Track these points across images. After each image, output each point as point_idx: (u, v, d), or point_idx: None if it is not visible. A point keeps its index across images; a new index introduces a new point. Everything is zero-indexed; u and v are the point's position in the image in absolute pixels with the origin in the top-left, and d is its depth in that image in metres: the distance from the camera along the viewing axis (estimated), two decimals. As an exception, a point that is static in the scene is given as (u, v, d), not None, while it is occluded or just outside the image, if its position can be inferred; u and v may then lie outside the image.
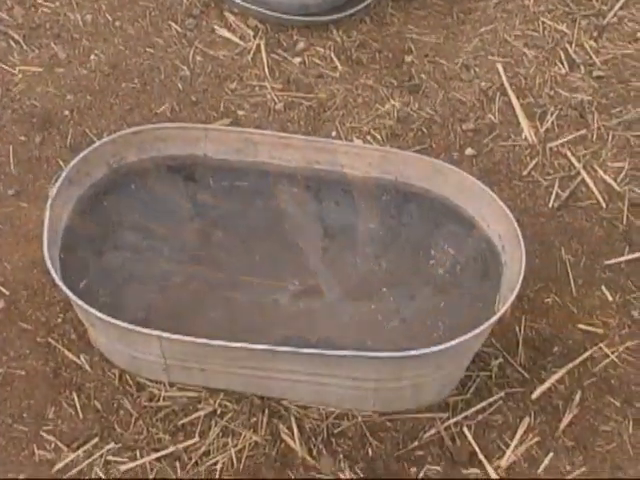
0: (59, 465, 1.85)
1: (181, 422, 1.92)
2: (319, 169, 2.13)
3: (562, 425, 1.97)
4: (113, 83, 2.43)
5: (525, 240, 1.89)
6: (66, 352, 1.99)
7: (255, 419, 1.93)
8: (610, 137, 2.42)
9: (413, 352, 1.78)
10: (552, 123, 2.43)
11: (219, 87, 2.46)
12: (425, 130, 2.41)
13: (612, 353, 2.07)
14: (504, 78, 2.51)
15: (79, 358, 1.99)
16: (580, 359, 2.05)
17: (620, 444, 1.95)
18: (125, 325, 1.78)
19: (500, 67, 2.53)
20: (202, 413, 1.93)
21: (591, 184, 2.32)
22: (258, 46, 2.54)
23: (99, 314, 1.77)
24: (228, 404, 1.94)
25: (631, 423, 1.98)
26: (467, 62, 2.55)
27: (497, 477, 1.89)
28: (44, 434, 1.89)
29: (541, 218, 2.25)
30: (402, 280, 2.06)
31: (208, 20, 2.58)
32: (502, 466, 1.90)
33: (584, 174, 2.34)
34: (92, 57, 2.48)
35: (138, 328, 1.78)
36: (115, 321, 1.77)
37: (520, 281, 1.85)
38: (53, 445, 1.88)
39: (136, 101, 2.41)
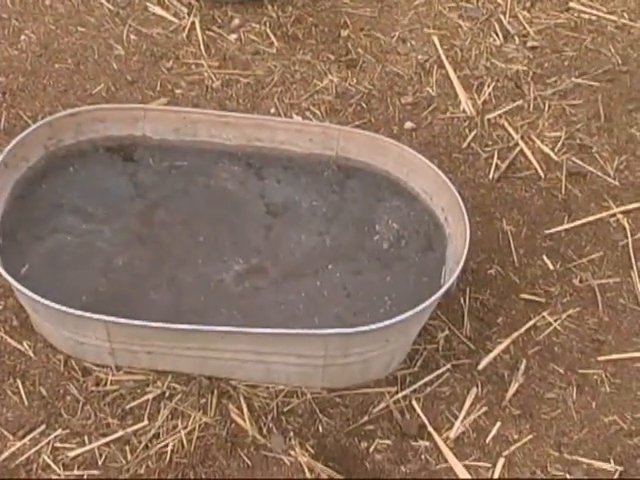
0: (5, 454, 1.82)
1: (129, 406, 1.90)
2: (260, 146, 2.11)
3: (508, 394, 1.97)
4: (45, 64, 2.37)
5: (467, 212, 1.89)
6: (8, 339, 1.95)
7: (204, 400, 1.91)
8: (546, 107, 2.42)
9: (360, 328, 1.77)
10: (489, 95, 2.43)
11: (155, 66, 2.41)
12: (364, 105, 2.39)
13: (555, 321, 2.08)
14: (440, 51, 2.50)
15: (22, 345, 1.95)
16: (524, 328, 2.06)
17: (565, 410, 1.97)
18: (69, 310, 1.74)
19: (436, 39, 2.52)
20: (150, 396, 1.90)
21: (529, 154, 2.33)
22: (193, 23, 2.50)
23: (43, 300, 1.74)
24: (176, 386, 1.92)
25: (575, 389, 1.99)
26: (403, 35, 2.53)
27: (447, 448, 1.89)
28: None
29: (481, 190, 2.25)
30: (347, 256, 2.03)
31: (141, -5, 2.54)
32: (451, 437, 1.91)
33: (522, 145, 2.34)
34: (22, 37, 2.41)
35: (82, 313, 1.74)
36: (59, 307, 1.74)
37: (465, 253, 1.84)
38: None
39: (70, 82, 2.35)
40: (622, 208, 2.26)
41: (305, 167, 2.10)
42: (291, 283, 1.99)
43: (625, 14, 2.61)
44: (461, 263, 1.83)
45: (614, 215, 2.25)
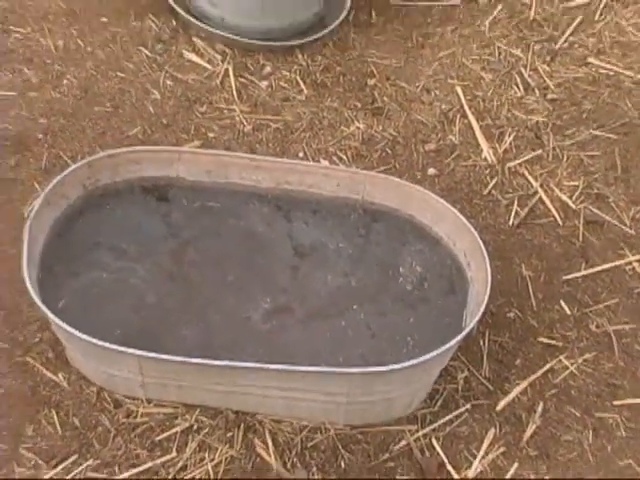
0: (39, 482, 1.83)
1: (158, 438, 1.90)
2: (289, 189, 2.12)
3: (526, 435, 1.97)
4: (85, 106, 2.40)
5: (488, 257, 1.90)
6: (44, 370, 1.96)
7: (231, 433, 1.91)
8: (565, 157, 2.43)
9: (383, 368, 1.77)
10: (510, 144, 2.44)
11: (189, 110, 2.44)
12: (389, 151, 2.41)
13: (571, 365, 2.08)
14: (463, 100, 2.51)
15: (57, 376, 1.95)
16: (541, 371, 2.06)
17: (581, 453, 1.96)
18: (103, 344, 1.75)
19: (459, 90, 2.54)
20: (179, 429, 1.91)
21: (548, 202, 2.33)
22: (226, 70, 2.52)
23: (78, 334, 1.75)
24: (204, 419, 1.92)
25: (591, 432, 1.99)
26: (427, 85, 2.55)
27: (466, 486, 1.90)
28: (23, 452, 1.85)
29: (502, 235, 2.26)
30: (371, 297, 2.05)
31: (177, 45, 2.56)
32: (470, 476, 1.90)
33: (541, 193, 2.35)
34: (64, 81, 2.44)
35: (115, 347, 1.76)
36: (93, 340, 1.75)
37: (487, 297, 1.85)
38: (32, 462, 1.84)
39: (108, 124, 2.38)
40: (638, 257, 2.26)
41: (332, 210, 2.12)
42: (317, 322, 2.00)
43: (644, 71, 2.64)
44: (482, 306, 1.84)
45: (630, 263, 2.25)
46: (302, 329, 2.00)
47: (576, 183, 2.38)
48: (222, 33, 2.56)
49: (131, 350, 1.75)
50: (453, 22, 2.69)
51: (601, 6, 2.75)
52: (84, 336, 1.75)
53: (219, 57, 2.54)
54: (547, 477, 1.91)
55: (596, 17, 2.76)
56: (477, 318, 1.83)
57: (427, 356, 1.77)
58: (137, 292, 2.03)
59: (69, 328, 1.76)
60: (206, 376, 1.85)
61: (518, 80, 2.58)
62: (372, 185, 2.11)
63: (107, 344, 1.75)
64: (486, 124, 2.48)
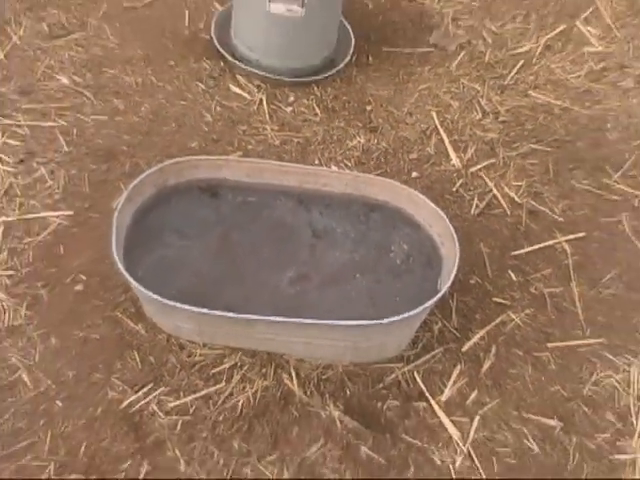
0: (125, 403, 1.79)
1: (211, 372, 1.87)
2: (308, 188, 2.07)
3: (483, 370, 1.94)
4: (156, 127, 2.34)
5: (457, 238, 1.86)
6: (128, 322, 1.92)
7: (265, 369, 1.88)
8: (512, 164, 2.37)
9: (379, 321, 1.74)
10: (471, 154, 2.38)
11: (233, 129, 2.38)
12: (382, 159, 2.35)
13: (516, 318, 2.04)
14: (437, 122, 2.45)
15: (137, 326, 1.92)
16: (494, 323, 2.02)
17: (523, 382, 1.93)
18: (168, 302, 1.72)
19: (434, 114, 2.48)
20: (227, 365, 1.87)
21: (500, 198, 2.28)
22: (261, 99, 2.47)
23: (151, 294, 1.72)
24: (245, 359, 1.89)
25: (530, 367, 1.96)
26: (410, 110, 2.49)
27: (439, 408, 1.85)
28: (114, 380, 1.83)
29: (466, 222, 2.21)
30: (370, 268, 1.99)
31: (224, 81, 2.50)
32: (442, 400, 1.87)
33: (495, 191, 2.29)
34: (142, 108, 2.38)
35: (177, 304, 1.72)
36: (162, 299, 1.72)
37: (456, 269, 1.81)
38: (120, 388, 1.82)
39: (173, 139, 2.32)
40: (565, 237, 2.21)
41: (340, 204, 2.06)
42: (329, 287, 1.95)
43: (567, 100, 2.57)
44: (452, 275, 1.80)
45: (560, 243, 2.20)
46: (318, 292, 1.94)
47: (520, 183, 2.32)
48: (258, 72, 2.50)
49: (187, 306, 1.72)
50: (429, 64, 2.63)
51: (537, 53, 2.69)
52: (155, 296, 1.72)
53: (255, 90, 2.49)
54: (498, 400, 1.87)
55: (533, 61, 2.70)
56: (448, 284, 1.79)
57: (410, 313, 1.74)
58: (194, 264, 1.97)
59: (145, 290, 1.73)
60: (245, 327, 1.81)
61: (477, 107, 2.52)
62: (370, 185, 2.05)
63: (171, 302, 1.72)
64: (454, 139, 2.42)
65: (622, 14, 2.80)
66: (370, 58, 2.61)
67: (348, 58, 2.56)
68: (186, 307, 1.72)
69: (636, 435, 1.85)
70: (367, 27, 2.67)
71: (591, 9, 2.81)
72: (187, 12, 2.64)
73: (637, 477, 1.80)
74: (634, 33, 2.74)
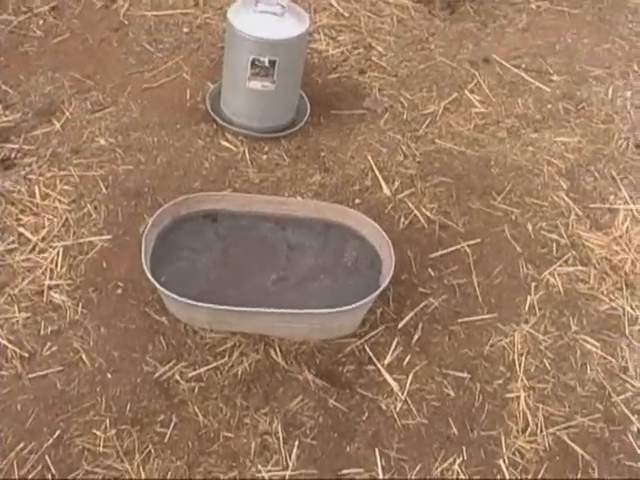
0: (157, 374, 1.78)
1: (218, 350, 1.85)
2: (283, 213, 2.06)
3: (413, 341, 1.94)
4: (169, 173, 2.30)
5: (392, 246, 1.90)
6: (155, 315, 1.89)
7: (257, 346, 1.86)
8: (426, 192, 2.38)
9: (339, 309, 1.75)
10: (398, 186, 2.38)
11: (225, 173, 2.34)
12: (334, 191, 2.33)
13: (435, 302, 2.05)
14: (372, 163, 2.45)
15: (162, 318, 1.89)
16: (419, 307, 2.03)
17: (442, 348, 1.94)
18: (186, 301, 1.72)
19: (370, 158, 2.47)
20: (229, 345, 1.86)
21: (419, 216, 2.28)
22: (244, 151, 2.43)
23: (172, 294, 1.72)
24: (242, 340, 1.87)
25: (447, 337, 1.97)
26: (353, 155, 2.47)
27: (383, 369, 1.85)
28: (148, 358, 1.82)
29: (396, 234, 2.20)
30: (330, 270, 1.99)
31: (217, 138, 2.45)
32: (385, 364, 1.87)
33: (415, 211, 2.30)
34: (158, 160, 2.34)
35: (193, 302, 1.72)
36: (181, 299, 1.72)
37: (392, 269, 1.84)
38: (153, 364, 1.80)
39: (182, 181, 2.27)
40: (466, 243, 2.22)
41: (307, 224, 2.06)
42: (302, 285, 1.95)
43: (462, 146, 2.58)
44: (390, 274, 1.82)
45: (463, 247, 2.21)
46: (294, 290, 1.94)
47: (433, 205, 2.33)
48: (241, 130, 2.47)
49: (199, 303, 1.72)
50: (365, 122, 2.62)
51: (439, 113, 2.70)
52: (174, 295, 1.72)
53: (240, 144, 2.45)
54: (425, 361, 1.89)
55: (437, 119, 2.70)
56: (387, 281, 1.82)
57: (360, 302, 1.76)
58: (203, 272, 1.96)
59: (167, 291, 1.73)
60: (240, 317, 1.81)
61: (400, 152, 2.51)
62: (327, 210, 2.07)
63: (186, 300, 1.72)
64: (385, 175, 2.41)
65: (495, 85, 2.87)
66: (322, 118, 2.59)
67: (306, 118, 2.56)
68: (199, 304, 1.73)
69: (519, 380, 1.89)
70: (318, 96, 2.65)
71: (474, 82, 2.87)
72: (188, 90, 2.61)
73: (520, 408, 1.83)
74: (504, 99, 2.82)
